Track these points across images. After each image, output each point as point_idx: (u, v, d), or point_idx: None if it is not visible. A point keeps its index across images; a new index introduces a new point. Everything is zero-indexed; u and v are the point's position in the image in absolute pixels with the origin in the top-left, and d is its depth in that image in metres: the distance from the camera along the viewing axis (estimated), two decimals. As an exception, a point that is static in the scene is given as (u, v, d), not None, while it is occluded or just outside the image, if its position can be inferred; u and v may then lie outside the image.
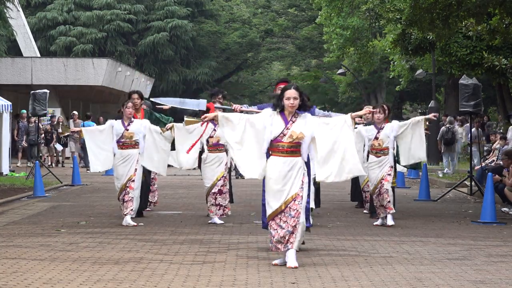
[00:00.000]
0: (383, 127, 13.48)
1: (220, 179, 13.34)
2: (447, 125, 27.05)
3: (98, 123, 35.34)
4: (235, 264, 9.11)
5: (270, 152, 9.06)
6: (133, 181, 13.00)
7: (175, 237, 11.58)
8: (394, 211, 13.29)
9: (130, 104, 13.27)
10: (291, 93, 9.03)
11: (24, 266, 8.81)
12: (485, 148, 24.95)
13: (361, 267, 9.05)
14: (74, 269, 8.66)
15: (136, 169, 13.05)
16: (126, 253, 9.85)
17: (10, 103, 25.23)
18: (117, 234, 11.83)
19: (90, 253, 9.81)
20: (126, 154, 13.07)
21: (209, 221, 13.30)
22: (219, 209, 13.38)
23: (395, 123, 13.62)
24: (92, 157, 13.33)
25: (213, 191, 13.32)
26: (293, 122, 9.05)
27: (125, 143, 13.11)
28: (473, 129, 24.71)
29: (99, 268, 8.74)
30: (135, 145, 13.14)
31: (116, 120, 13.32)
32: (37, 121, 26.25)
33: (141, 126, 13.23)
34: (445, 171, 26.49)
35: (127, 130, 13.13)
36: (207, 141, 13.33)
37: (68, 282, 7.88)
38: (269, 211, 9.09)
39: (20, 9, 38.94)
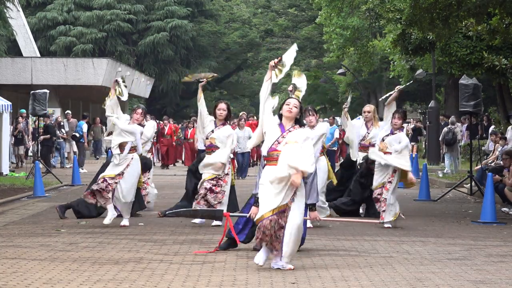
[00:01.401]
0: (395, 133, 13.30)
1: (212, 179, 13.07)
2: (449, 126, 27.04)
3: (94, 124, 35.30)
4: (235, 264, 9.11)
5: (265, 162, 9.01)
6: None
7: (175, 237, 11.58)
8: (385, 220, 13.13)
9: (140, 110, 13.30)
10: (292, 101, 9.10)
11: (24, 266, 8.82)
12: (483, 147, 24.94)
13: (361, 267, 9.05)
14: (74, 269, 8.66)
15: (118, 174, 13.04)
16: (126, 253, 9.86)
17: (10, 103, 25.20)
18: (117, 234, 11.83)
19: (90, 253, 9.81)
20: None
21: (213, 224, 13.10)
22: (208, 207, 13.17)
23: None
24: None
25: (204, 186, 13.05)
26: (290, 131, 9.01)
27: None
28: (492, 126, 24.85)
29: (99, 268, 8.74)
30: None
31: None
32: (36, 121, 26.20)
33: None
34: (445, 171, 26.47)
35: None
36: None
37: (68, 282, 7.89)
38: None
39: (20, 9, 38.94)
